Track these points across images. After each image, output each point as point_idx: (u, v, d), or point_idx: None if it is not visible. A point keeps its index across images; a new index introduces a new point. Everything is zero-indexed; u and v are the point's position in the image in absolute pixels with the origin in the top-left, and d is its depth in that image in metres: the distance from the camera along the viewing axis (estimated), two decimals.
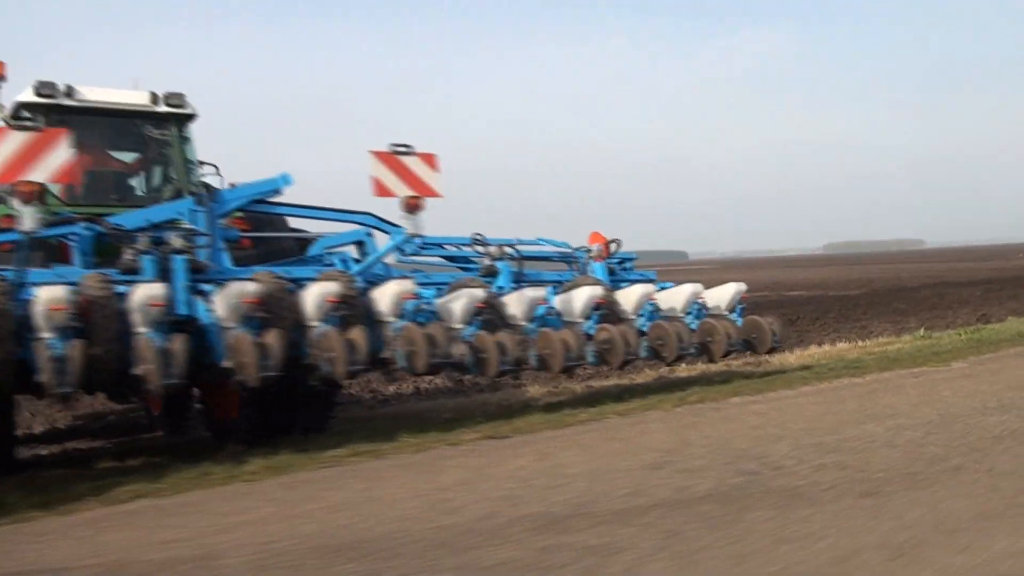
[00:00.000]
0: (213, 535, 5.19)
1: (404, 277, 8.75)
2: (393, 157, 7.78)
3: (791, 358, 14.87)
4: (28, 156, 6.57)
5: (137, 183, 10.21)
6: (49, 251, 8.50)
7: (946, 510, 4.91)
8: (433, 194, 7.93)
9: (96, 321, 7.07)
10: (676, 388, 10.47)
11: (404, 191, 7.76)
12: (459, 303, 8.55)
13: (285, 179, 9.19)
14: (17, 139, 6.58)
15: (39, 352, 6.73)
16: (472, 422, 8.49)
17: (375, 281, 8.70)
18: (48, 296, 6.89)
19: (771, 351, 10.39)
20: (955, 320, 22.00)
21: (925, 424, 7.06)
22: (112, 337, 7.13)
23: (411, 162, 7.82)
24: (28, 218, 6.62)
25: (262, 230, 10.01)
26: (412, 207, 7.82)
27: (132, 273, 7.79)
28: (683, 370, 13.62)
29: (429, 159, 7.94)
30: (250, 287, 7.57)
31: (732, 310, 10.55)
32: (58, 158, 6.82)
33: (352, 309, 7.99)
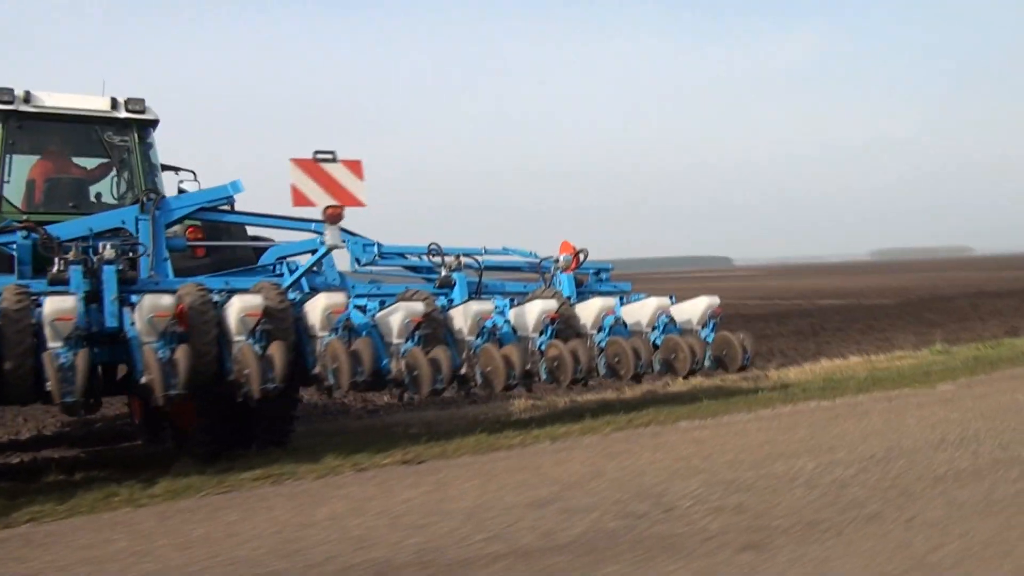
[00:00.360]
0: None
1: (337, 289, 8.21)
2: (314, 164, 7.22)
3: (791, 373, 14.03)
4: None
5: (97, 190, 9.84)
6: (3, 260, 8.15)
7: (834, 571, 4.16)
8: (357, 203, 7.35)
9: (7, 336, 6.65)
10: (655, 404, 9.78)
11: (325, 200, 7.20)
12: (395, 317, 7.96)
13: (235, 186, 8.73)
14: None
15: None
16: (410, 442, 7.91)
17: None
18: None
19: (742, 369, 9.58)
20: (983, 332, 20.80)
21: (864, 460, 6.25)
22: (24, 352, 6.71)
23: (334, 170, 7.25)
24: None
25: (220, 238, 9.57)
26: (333, 217, 7.25)
27: (61, 284, 7.37)
28: (678, 384, 12.89)
29: (354, 166, 7.36)
30: (164, 300, 7.07)
31: (704, 325, 9.78)
32: None
33: (276, 323, 7.45)
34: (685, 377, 9.70)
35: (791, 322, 25.42)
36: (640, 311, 9.58)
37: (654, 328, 9.52)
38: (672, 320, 9.62)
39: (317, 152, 7.22)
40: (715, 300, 9.90)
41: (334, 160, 7.23)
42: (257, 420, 8.96)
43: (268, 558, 4.58)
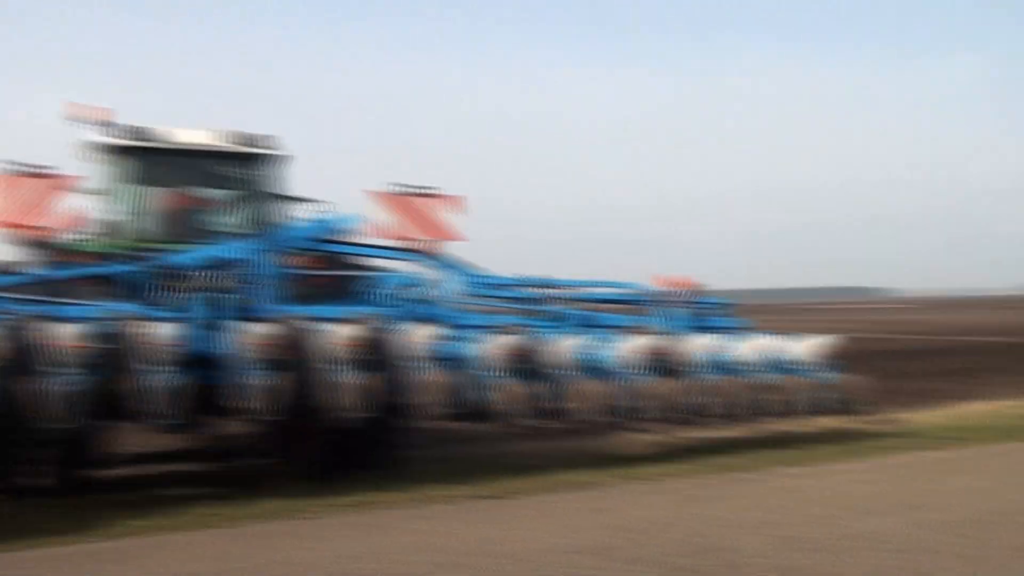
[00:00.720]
0: None
1: (432, 320, 8.24)
2: (411, 199, 7.33)
3: (929, 417, 12.94)
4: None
5: (222, 221, 10.28)
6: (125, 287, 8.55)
7: None
8: (454, 238, 7.38)
9: (122, 358, 6.99)
10: (765, 446, 9.16)
11: (420, 234, 7.28)
12: (488, 349, 7.96)
13: (351, 218, 8.95)
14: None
15: None
16: (513, 474, 7.68)
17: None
18: None
19: (853, 413, 9.03)
20: None
21: (961, 523, 5.61)
22: (134, 374, 7.02)
23: (431, 204, 7.33)
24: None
25: (341, 269, 9.79)
26: (428, 250, 7.30)
27: (173, 311, 7.69)
28: (807, 425, 12.07)
29: (453, 201, 7.41)
30: (260, 329, 7.29)
31: (817, 365, 9.30)
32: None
33: (368, 353, 7.55)
34: (796, 419, 9.23)
35: (941, 360, 23.70)
36: (747, 349, 9.19)
37: (761, 367, 9.11)
38: (782, 359, 9.20)
39: (417, 187, 7.33)
40: (828, 339, 9.43)
41: (433, 195, 7.32)
42: (370, 445, 9.02)
43: None
